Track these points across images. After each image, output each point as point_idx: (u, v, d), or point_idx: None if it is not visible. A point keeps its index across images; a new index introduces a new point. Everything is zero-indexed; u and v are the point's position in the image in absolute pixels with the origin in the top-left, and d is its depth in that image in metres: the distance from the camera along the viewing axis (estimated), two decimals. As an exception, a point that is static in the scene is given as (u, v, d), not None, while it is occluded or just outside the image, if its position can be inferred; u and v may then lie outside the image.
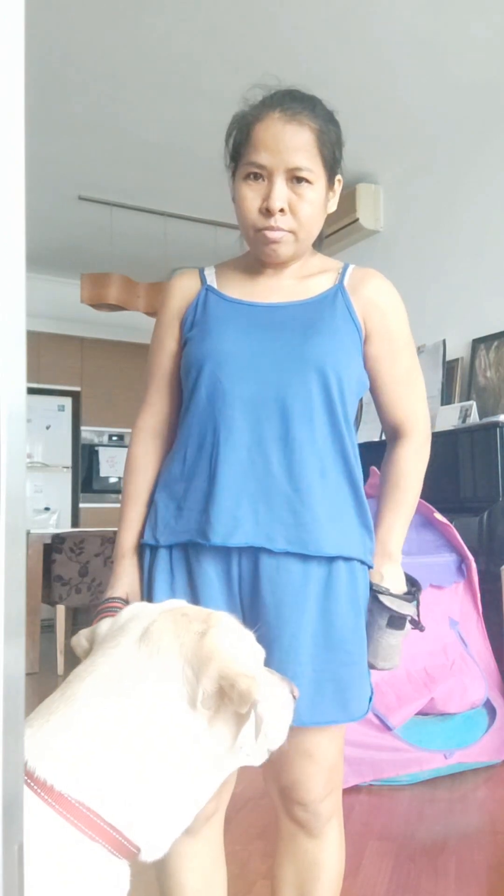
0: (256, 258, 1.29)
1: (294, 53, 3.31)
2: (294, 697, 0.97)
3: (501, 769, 2.72)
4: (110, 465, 6.68)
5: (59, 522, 6.31)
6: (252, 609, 1.18)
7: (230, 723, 0.83)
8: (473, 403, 3.51)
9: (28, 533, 4.45)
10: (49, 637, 4.72)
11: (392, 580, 1.25)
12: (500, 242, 3.71)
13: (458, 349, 3.84)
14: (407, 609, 1.23)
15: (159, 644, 0.83)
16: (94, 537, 4.49)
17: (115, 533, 5.35)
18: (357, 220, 4.43)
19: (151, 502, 1.28)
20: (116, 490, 6.61)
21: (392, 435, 1.34)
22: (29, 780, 0.72)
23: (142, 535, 1.28)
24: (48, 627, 4.81)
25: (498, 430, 3.14)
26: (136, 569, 1.27)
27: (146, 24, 3.17)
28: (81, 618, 5.17)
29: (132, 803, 0.76)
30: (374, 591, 1.23)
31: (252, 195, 1.20)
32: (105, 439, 6.74)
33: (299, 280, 1.30)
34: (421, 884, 1.88)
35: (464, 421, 3.47)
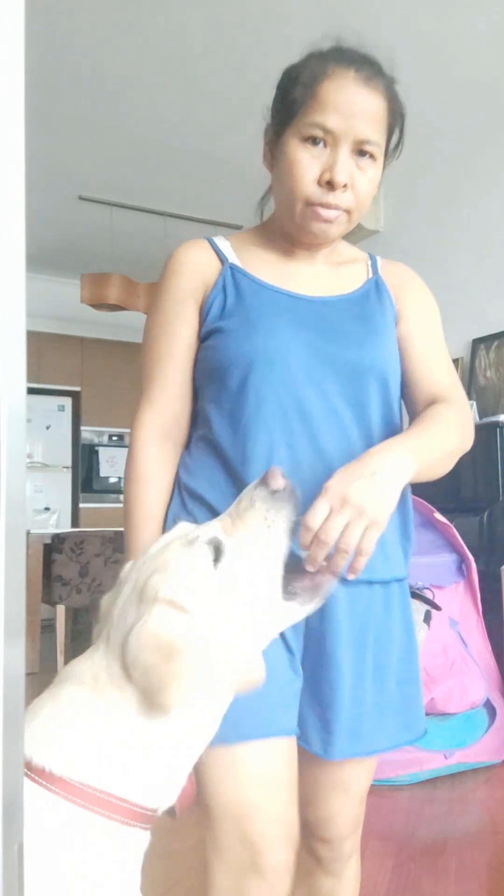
0: (287, 236, 1.13)
1: (295, 53, 3.31)
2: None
3: (501, 769, 2.72)
4: (110, 465, 6.69)
5: (59, 522, 6.32)
6: (317, 640, 1.05)
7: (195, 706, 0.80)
8: (474, 403, 3.51)
9: (28, 533, 4.46)
10: (49, 637, 4.72)
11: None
12: (501, 243, 3.71)
13: (458, 349, 3.84)
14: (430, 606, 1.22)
15: (112, 644, 0.80)
16: (94, 537, 4.49)
17: (116, 533, 5.26)
18: (357, 220, 4.43)
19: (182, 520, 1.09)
20: (116, 490, 6.61)
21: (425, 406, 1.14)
22: (27, 771, 0.72)
23: None
24: (48, 627, 4.81)
25: (498, 430, 3.14)
26: None
27: (146, 24, 3.17)
28: (81, 618, 5.17)
29: (135, 775, 0.76)
30: (413, 591, 1.20)
31: (310, 162, 1.03)
32: (105, 439, 6.75)
33: (333, 267, 1.17)
34: (421, 884, 1.88)
35: (464, 421, 3.47)
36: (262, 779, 0.97)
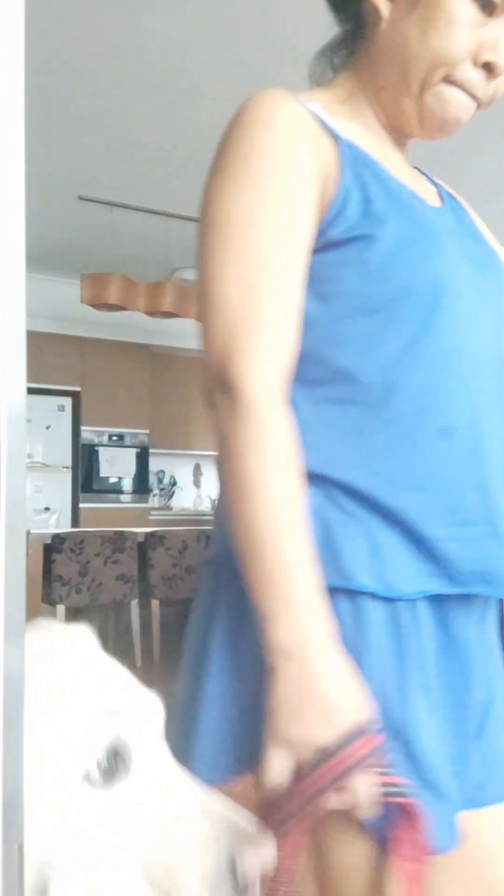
0: (386, 113, 0.83)
1: (295, 52, 3.31)
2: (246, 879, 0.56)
3: (501, 769, 2.72)
4: (110, 465, 6.68)
5: (59, 522, 6.31)
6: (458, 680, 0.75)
7: None
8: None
9: (28, 533, 4.46)
10: (49, 637, 4.72)
11: None
12: (501, 243, 3.71)
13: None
14: None
15: None
16: (94, 537, 4.49)
17: (116, 533, 5.21)
18: (357, 219, 4.43)
19: (346, 521, 0.70)
20: (116, 490, 6.61)
21: None
22: None
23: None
24: (48, 627, 4.81)
25: (498, 429, 3.14)
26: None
27: (146, 24, 3.17)
28: (81, 618, 5.17)
29: None
30: None
31: (473, 28, 0.75)
32: (105, 439, 6.74)
33: (411, 171, 0.89)
34: (421, 884, 1.87)
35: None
36: None
